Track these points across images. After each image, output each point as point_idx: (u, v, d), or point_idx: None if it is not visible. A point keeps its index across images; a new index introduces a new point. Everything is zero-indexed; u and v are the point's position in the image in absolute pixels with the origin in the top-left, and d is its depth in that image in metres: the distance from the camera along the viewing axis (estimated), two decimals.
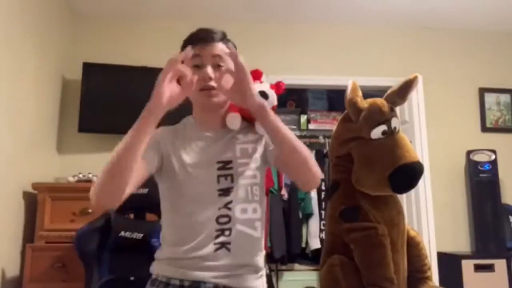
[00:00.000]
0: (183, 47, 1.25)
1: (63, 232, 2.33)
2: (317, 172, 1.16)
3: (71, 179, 2.64)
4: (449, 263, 3.02)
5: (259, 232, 1.23)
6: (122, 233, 2.03)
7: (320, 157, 3.69)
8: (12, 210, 2.36)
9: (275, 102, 1.30)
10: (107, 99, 3.01)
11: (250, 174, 1.24)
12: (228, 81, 1.11)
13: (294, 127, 3.90)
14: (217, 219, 1.17)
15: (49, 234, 2.35)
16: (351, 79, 1.76)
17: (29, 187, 2.46)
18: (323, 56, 3.45)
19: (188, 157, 1.23)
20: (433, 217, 3.14)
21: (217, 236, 1.16)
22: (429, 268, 1.82)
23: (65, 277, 2.23)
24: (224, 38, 1.26)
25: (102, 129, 2.94)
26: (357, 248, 1.63)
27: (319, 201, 3.55)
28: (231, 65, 1.18)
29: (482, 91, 3.51)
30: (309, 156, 1.14)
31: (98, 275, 2.00)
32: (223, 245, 1.16)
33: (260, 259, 1.25)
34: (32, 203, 2.47)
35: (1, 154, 2.22)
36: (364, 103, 1.70)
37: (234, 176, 1.22)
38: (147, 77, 3.29)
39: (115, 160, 1.01)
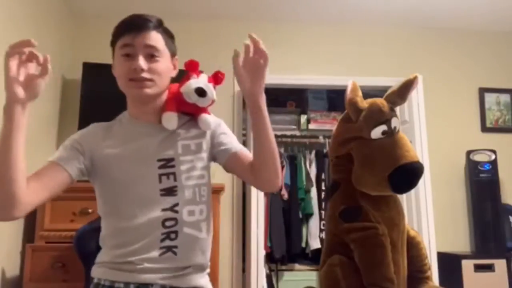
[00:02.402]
0: (115, 34, 1.19)
1: (63, 232, 2.33)
2: (279, 178, 1.16)
3: None
4: (449, 263, 3.02)
5: (204, 233, 1.19)
6: None
7: (320, 157, 3.69)
8: None
9: (214, 97, 1.22)
10: (107, 99, 3.00)
11: (197, 174, 1.19)
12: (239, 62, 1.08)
13: (294, 127, 3.90)
14: (163, 222, 1.12)
15: (49, 234, 2.35)
16: (351, 79, 1.76)
17: None
18: (323, 56, 3.45)
19: (125, 156, 1.16)
20: (433, 217, 3.13)
21: (163, 240, 1.12)
22: (429, 268, 1.82)
23: (65, 277, 2.23)
24: (159, 26, 1.20)
25: None
26: (357, 248, 1.63)
27: (319, 201, 3.55)
28: (165, 56, 1.16)
29: (482, 91, 3.51)
30: (279, 159, 1.14)
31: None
32: (169, 249, 1.13)
33: (205, 258, 1.21)
34: None
35: None
36: (364, 103, 1.70)
37: (176, 175, 1.16)
38: None
39: None
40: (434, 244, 3.08)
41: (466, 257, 2.98)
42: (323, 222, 3.45)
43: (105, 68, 3.08)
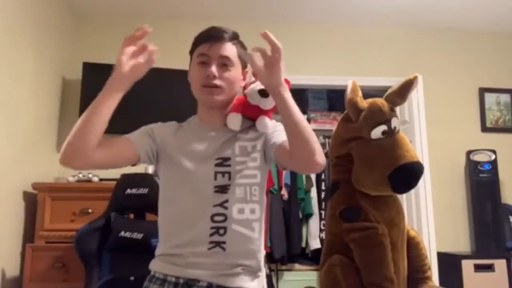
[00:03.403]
0: (194, 44, 1.28)
1: (63, 232, 2.33)
2: (323, 158, 1.15)
3: (71, 179, 2.64)
4: (449, 263, 3.03)
5: (256, 233, 1.22)
6: (122, 233, 2.03)
7: None
8: (12, 210, 2.36)
9: None
10: None
11: (249, 173, 1.24)
12: (258, 59, 1.12)
13: None
14: (212, 217, 1.17)
15: (49, 234, 2.35)
16: (351, 79, 1.76)
17: (29, 187, 2.46)
18: (323, 56, 3.45)
19: (189, 152, 1.24)
20: (433, 217, 3.14)
21: (212, 234, 1.16)
22: (429, 268, 1.82)
23: (65, 277, 2.23)
24: (234, 39, 1.27)
25: None
26: (357, 248, 1.63)
27: (319, 201, 3.55)
28: (236, 66, 1.24)
29: (482, 91, 3.51)
30: (317, 141, 1.16)
31: (98, 275, 2.00)
32: (217, 244, 1.16)
33: (258, 260, 1.24)
34: (32, 203, 2.47)
35: (1, 154, 2.22)
36: (364, 103, 1.70)
37: (231, 174, 1.21)
38: (147, 77, 3.32)
39: (80, 121, 1.08)
40: (434, 244, 3.08)
41: (466, 257, 2.99)
42: (323, 222, 3.44)
43: (105, 68, 3.07)
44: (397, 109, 1.76)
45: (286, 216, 3.45)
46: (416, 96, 3.30)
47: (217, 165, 1.22)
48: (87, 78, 3.00)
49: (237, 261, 1.18)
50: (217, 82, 1.22)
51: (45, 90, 2.82)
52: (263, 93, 1.24)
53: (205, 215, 1.17)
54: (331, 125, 3.66)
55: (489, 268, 2.91)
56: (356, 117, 1.69)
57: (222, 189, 1.20)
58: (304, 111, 3.95)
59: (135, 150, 1.20)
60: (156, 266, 1.22)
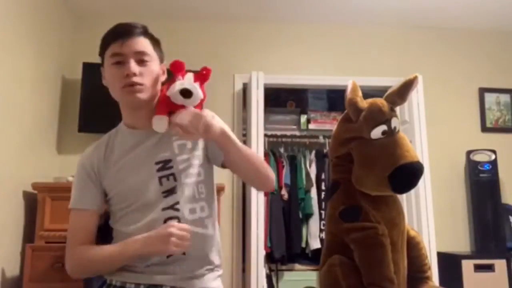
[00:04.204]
0: (102, 44, 1.20)
1: (63, 232, 2.31)
2: (272, 177, 1.23)
3: (71, 179, 2.64)
4: (449, 263, 3.02)
5: (210, 230, 1.20)
6: None
7: (320, 157, 3.69)
8: (12, 210, 2.36)
9: (201, 96, 1.16)
10: (107, 99, 2.99)
11: (194, 172, 1.20)
12: (182, 118, 1.08)
13: (294, 127, 3.90)
14: (165, 221, 1.13)
15: (49, 234, 2.35)
16: (351, 79, 1.76)
17: (29, 187, 2.46)
18: (323, 56, 3.45)
19: (126, 168, 1.19)
20: (433, 217, 3.13)
21: None
22: (429, 268, 1.82)
23: (65, 277, 2.22)
24: (145, 32, 1.21)
25: (102, 129, 2.89)
26: (357, 248, 1.63)
27: (319, 201, 3.55)
28: (155, 60, 1.21)
29: (482, 91, 3.51)
30: (264, 165, 1.21)
31: (98, 275, 2.00)
32: None
33: (216, 256, 1.22)
34: (32, 203, 2.47)
35: (1, 154, 2.22)
36: (364, 103, 1.70)
37: (176, 175, 1.17)
38: None
39: (97, 267, 1.19)
40: (434, 244, 3.08)
41: (466, 257, 2.98)
42: (323, 222, 3.45)
43: None
44: (397, 109, 1.76)
45: (286, 216, 3.45)
46: (416, 96, 3.29)
47: (159, 169, 1.17)
48: (87, 78, 3.00)
49: (197, 261, 1.16)
50: (138, 79, 1.15)
51: (45, 90, 2.82)
52: (185, 93, 1.13)
53: (156, 222, 1.13)
54: (331, 125, 3.67)
55: (489, 268, 2.91)
56: (356, 117, 1.69)
57: (170, 192, 1.16)
58: (304, 111, 3.95)
59: (94, 214, 1.21)
60: (111, 274, 1.18)
